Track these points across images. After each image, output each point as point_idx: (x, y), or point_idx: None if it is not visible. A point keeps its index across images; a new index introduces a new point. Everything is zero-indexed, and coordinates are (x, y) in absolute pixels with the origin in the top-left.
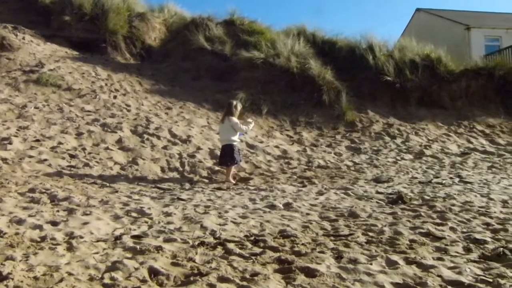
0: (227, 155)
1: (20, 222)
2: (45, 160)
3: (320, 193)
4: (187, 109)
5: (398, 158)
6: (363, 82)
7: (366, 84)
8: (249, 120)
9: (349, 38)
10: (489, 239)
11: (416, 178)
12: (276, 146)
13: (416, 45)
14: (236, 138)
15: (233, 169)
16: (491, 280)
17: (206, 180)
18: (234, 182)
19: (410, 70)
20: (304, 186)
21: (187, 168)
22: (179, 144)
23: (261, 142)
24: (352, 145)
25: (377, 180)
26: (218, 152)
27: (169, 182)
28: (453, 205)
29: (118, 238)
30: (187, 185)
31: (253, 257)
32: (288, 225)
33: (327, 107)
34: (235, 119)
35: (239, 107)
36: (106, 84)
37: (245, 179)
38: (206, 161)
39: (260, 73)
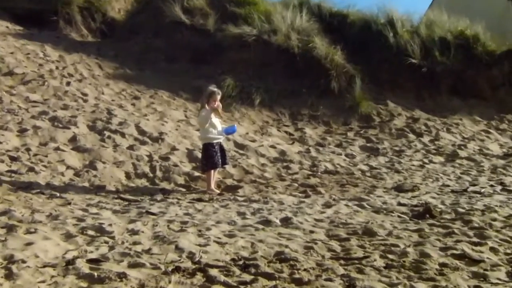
0: (203, 157)
1: None
2: None
3: (327, 205)
4: (159, 99)
5: (426, 161)
6: (381, 66)
7: (385, 68)
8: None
9: (364, 11)
10: None
11: (448, 186)
12: (272, 146)
13: (447, 20)
14: (215, 134)
15: (216, 175)
16: None
17: (183, 189)
18: (218, 191)
19: (439, 50)
20: (307, 196)
21: (158, 173)
22: (148, 144)
23: (253, 140)
24: (368, 144)
25: (399, 189)
26: (198, 154)
27: (136, 191)
28: (494, 219)
29: (70, 262)
30: (159, 196)
31: (242, 287)
32: (286, 246)
33: (336, 96)
34: (204, 110)
35: (216, 95)
36: (57, 68)
37: (233, 188)
38: (183, 164)
39: (252, 54)
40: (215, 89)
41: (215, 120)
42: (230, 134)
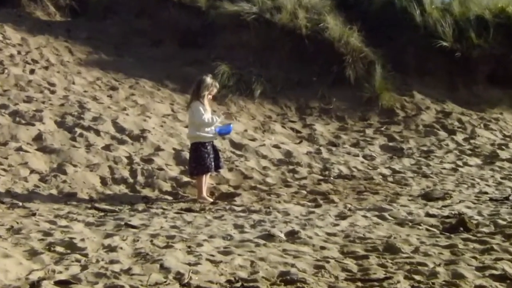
0: (192, 159)
1: None
2: None
3: (341, 217)
4: (141, 89)
5: (459, 163)
6: (407, 50)
7: (410, 52)
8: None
9: None
10: None
11: (486, 193)
12: (276, 146)
13: None
14: (208, 133)
15: (209, 181)
16: None
17: (169, 198)
18: (211, 199)
19: (476, 31)
20: (318, 205)
21: (140, 179)
22: (128, 143)
23: (253, 139)
24: (390, 143)
25: (427, 197)
26: (187, 155)
27: (113, 200)
28: None
29: (35, 284)
30: (141, 205)
31: None
32: (293, 265)
33: (352, 86)
34: (198, 104)
35: (213, 87)
36: (19, 53)
37: (229, 196)
38: (170, 168)
39: (251, 36)
40: (213, 80)
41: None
42: (225, 135)
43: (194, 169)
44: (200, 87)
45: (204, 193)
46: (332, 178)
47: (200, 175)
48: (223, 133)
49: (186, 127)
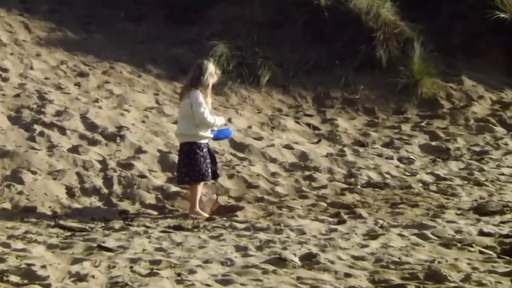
0: (183, 164)
1: None
2: None
3: (371, 236)
4: (117, 76)
5: None
6: (453, 24)
7: (458, 27)
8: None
9: None
10: None
11: None
12: (288, 147)
13: None
14: (204, 132)
15: (203, 191)
16: None
17: (154, 212)
18: (206, 214)
19: None
20: (342, 221)
21: (117, 188)
22: (101, 144)
23: (259, 138)
24: (433, 143)
25: (481, 210)
26: (176, 158)
27: (83, 215)
28: None
29: None
30: (118, 222)
31: None
32: None
33: (384, 71)
34: (199, 93)
35: (216, 75)
36: None
37: (229, 209)
38: (154, 175)
39: (255, 8)
40: (216, 67)
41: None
42: (221, 139)
43: (185, 176)
44: (203, 73)
45: (198, 207)
46: (359, 187)
47: (193, 184)
48: (220, 138)
49: (175, 123)
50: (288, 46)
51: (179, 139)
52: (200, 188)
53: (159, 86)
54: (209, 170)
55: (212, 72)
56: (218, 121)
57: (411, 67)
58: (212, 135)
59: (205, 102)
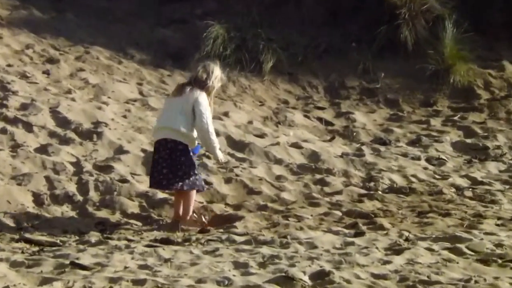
0: (182, 165)
1: None
2: None
3: (395, 250)
4: (93, 62)
5: None
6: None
7: (498, 2)
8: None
9: None
10: None
11: None
12: (296, 145)
13: None
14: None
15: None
16: None
17: (138, 223)
18: (203, 219)
19: None
20: (360, 233)
21: (93, 195)
22: (75, 143)
23: (261, 135)
24: (468, 140)
25: None
26: None
27: (53, 227)
28: None
29: None
30: (94, 235)
31: None
32: None
33: (410, 55)
34: (205, 97)
35: (221, 81)
36: None
37: (226, 220)
38: (137, 179)
39: None
40: (224, 75)
41: None
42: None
43: (180, 179)
44: (209, 77)
45: (190, 213)
46: (380, 192)
47: (189, 189)
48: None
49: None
50: (295, 27)
51: (173, 135)
52: (194, 195)
53: (143, 74)
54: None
55: (218, 77)
56: (217, 141)
57: (441, 50)
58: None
59: (208, 104)
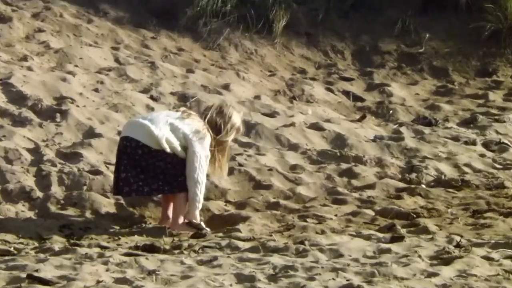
0: (161, 170)
1: None
2: None
3: (443, 259)
4: (55, 21)
5: None
6: None
7: None
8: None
9: None
10: None
11: None
12: (316, 126)
13: None
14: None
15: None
16: None
17: (114, 226)
18: (200, 222)
19: None
20: (397, 238)
21: (56, 190)
22: (32, 124)
23: (271, 114)
24: None
25: None
26: None
27: (6, 231)
28: None
29: None
30: (59, 240)
31: None
32: None
33: (463, 12)
34: (208, 141)
35: (237, 133)
36: None
37: (227, 220)
38: (113, 169)
39: None
40: (242, 125)
41: None
42: None
43: (166, 183)
44: (225, 124)
45: (183, 218)
46: (423, 186)
47: (168, 192)
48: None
49: (145, 91)
50: None
51: (142, 134)
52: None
53: (119, 36)
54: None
55: (236, 126)
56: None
57: (504, 4)
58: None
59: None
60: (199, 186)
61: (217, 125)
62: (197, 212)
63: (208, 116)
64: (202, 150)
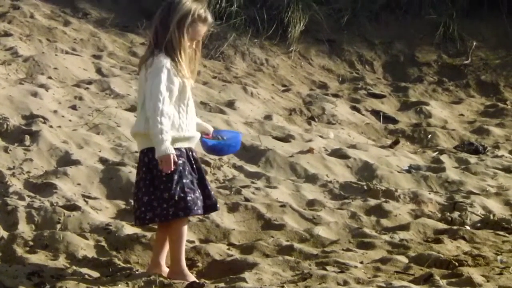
0: (146, 189)
1: None
2: None
3: None
4: (24, 23)
5: None
6: None
7: None
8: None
9: None
10: None
11: None
12: (338, 153)
13: None
14: (184, 127)
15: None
16: None
17: (94, 274)
18: (193, 277)
19: None
20: None
21: (24, 229)
22: None
23: (285, 137)
24: None
25: None
26: (132, 173)
27: None
28: None
29: None
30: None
31: None
32: None
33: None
34: (163, 58)
35: (201, 21)
36: None
37: (230, 268)
38: (93, 204)
39: None
40: (201, 5)
41: (188, 90)
42: (219, 153)
43: (147, 210)
44: (173, 19)
45: (184, 263)
46: (468, 228)
47: (174, 219)
48: (217, 149)
49: (133, 109)
50: None
51: (137, 142)
52: (185, 228)
53: (102, 41)
54: (200, 197)
55: (191, 13)
56: (167, 128)
57: None
58: (198, 136)
59: (172, 73)
60: (158, 114)
61: (162, 29)
62: (163, 145)
63: (154, 28)
64: (154, 73)
